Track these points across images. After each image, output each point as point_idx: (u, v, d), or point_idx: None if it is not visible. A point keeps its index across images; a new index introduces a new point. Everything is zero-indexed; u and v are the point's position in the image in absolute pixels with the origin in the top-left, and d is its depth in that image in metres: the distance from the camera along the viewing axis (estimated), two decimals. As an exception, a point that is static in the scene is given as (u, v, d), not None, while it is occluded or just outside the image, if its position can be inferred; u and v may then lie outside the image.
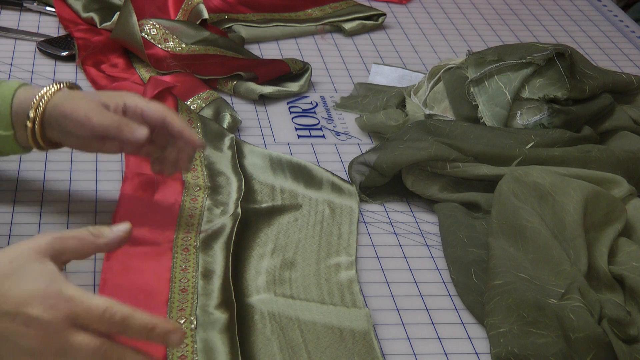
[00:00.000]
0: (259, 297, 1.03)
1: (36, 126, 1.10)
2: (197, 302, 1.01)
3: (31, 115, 1.10)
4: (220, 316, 0.99)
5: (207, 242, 1.10)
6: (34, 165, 1.25)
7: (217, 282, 1.04)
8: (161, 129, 1.11)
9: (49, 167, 1.25)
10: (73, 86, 1.13)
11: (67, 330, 0.83)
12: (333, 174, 1.25)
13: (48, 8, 1.69)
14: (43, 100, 1.10)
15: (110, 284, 1.03)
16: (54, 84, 1.11)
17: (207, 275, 1.05)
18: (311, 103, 1.47)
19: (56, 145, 1.14)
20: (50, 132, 1.11)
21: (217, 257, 1.07)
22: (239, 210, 1.14)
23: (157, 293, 1.03)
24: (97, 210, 1.18)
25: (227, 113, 1.36)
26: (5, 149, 1.14)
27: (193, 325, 0.98)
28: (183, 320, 0.99)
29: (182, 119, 1.12)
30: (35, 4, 1.70)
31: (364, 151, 1.28)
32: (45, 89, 1.10)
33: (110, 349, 0.84)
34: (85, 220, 1.16)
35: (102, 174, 1.24)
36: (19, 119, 1.11)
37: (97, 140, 1.10)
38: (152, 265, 1.06)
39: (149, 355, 0.86)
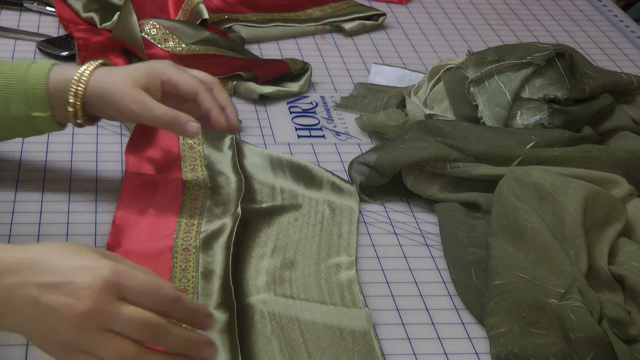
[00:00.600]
0: (259, 297, 1.03)
1: (77, 109, 1.11)
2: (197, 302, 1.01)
3: (71, 100, 1.11)
4: (220, 316, 0.99)
5: (207, 242, 1.10)
6: (33, 170, 1.26)
7: (217, 282, 1.04)
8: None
9: (49, 167, 1.25)
10: (105, 63, 1.14)
11: (117, 301, 0.81)
12: (333, 174, 1.25)
13: (48, 8, 1.69)
14: (80, 84, 1.11)
15: None
16: (88, 64, 1.12)
17: (207, 275, 1.05)
18: (311, 103, 1.47)
19: (96, 119, 1.16)
20: (91, 110, 1.13)
21: (217, 257, 1.07)
22: (239, 210, 1.14)
23: None
24: (97, 210, 1.18)
25: (227, 113, 1.36)
26: (43, 128, 1.15)
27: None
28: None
29: (214, 98, 1.11)
30: (35, 4, 1.69)
31: (364, 151, 1.28)
32: (80, 70, 1.11)
33: (162, 323, 0.82)
34: (86, 219, 1.16)
35: (102, 174, 1.24)
36: (57, 100, 1.12)
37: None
38: (152, 265, 1.06)
39: (199, 336, 0.84)
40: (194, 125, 1.10)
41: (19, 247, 0.83)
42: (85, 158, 1.26)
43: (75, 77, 1.11)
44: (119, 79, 1.11)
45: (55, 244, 0.84)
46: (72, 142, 1.31)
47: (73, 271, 0.81)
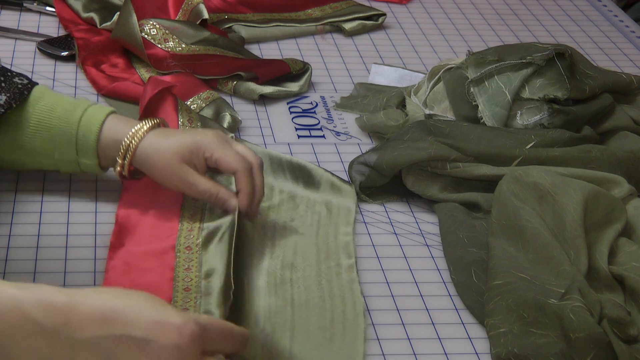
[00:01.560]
0: (260, 299, 1.03)
1: (124, 171, 1.14)
2: (200, 302, 1.01)
3: (119, 160, 1.13)
4: (221, 315, 0.99)
5: (209, 241, 1.10)
6: (33, 170, 1.26)
7: (218, 281, 1.04)
8: None
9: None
10: (160, 123, 1.15)
11: (204, 358, 0.77)
12: (333, 174, 1.25)
13: (48, 8, 1.69)
14: (131, 146, 1.12)
15: (113, 284, 1.03)
16: (141, 126, 1.13)
17: (210, 274, 1.05)
18: (311, 103, 1.47)
19: (141, 174, 1.17)
20: (137, 168, 1.14)
21: (219, 256, 1.07)
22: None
23: (160, 292, 1.02)
24: (97, 210, 1.18)
25: (227, 113, 1.36)
26: (86, 170, 1.17)
27: None
28: None
29: (250, 183, 1.12)
30: (35, 4, 1.69)
31: (364, 151, 1.28)
32: (133, 130, 1.12)
33: None
34: (86, 219, 1.16)
35: (102, 174, 1.24)
36: (105, 153, 1.14)
37: None
38: (155, 264, 1.06)
39: None
40: (234, 202, 1.11)
41: (82, 295, 0.78)
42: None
43: (128, 137, 1.12)
44: (167, 154, 1.12)
45: (123, 292, 0.79)
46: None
47: (157, 328, 0.76)
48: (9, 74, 1.17)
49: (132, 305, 0.77)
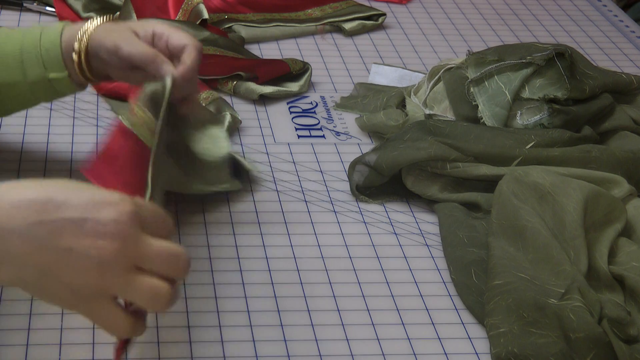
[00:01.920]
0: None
1: (82, 58, 1.12)
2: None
3: (76, 47, 1.12)
4: None
5: None
6: (33, 169, 1.26)
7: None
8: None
9: (49, 163, 1.25)
10: (113, 19, 1.15)
11: (143, 235, 0.75)
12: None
13: (48, 8, 1.69)
14: (86, 33, 1.12)
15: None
16: (95, 18, 1.13)
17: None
18: (311, 103, 1.47)
19: (106, 77, 1.15)
20: (95, 63, 1.13)
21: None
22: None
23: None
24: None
25: (227, 113, 1.36)
26: (62, 90, 1.16)
27: None
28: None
29: (196, 60, 1.10)
30: (35, 4, 1.70)
31: (364, 151, 1.28)
32: (87, 24, 1.13)
33: (188, 257, 0.77)
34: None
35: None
36: (70, 58, 1.13)
37: (128, 70, 1.11)
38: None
39: None
40: (170, 67, 1.08)
41: (5, 186, 0.76)
42: (85, 158, 1.26)
43: (82, 29, 1.12)
44: (116, 27, 1.12)
45: (51, 181, 0.77)
46: (72, 143, 1.31)
47: (93, 206, 0.74)
48: None
49: (63, 190, 0.75)
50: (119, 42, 1.10)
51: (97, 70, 1.14)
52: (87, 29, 1.12)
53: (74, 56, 1.12)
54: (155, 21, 1.15)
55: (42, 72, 1.14)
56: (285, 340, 1.00)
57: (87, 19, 1.59)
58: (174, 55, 1.11)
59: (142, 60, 1.09)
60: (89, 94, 1.44)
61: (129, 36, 1.11)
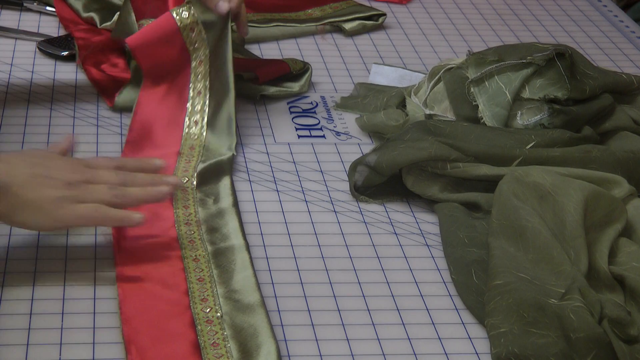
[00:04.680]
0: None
1: None
2: (217, 290, 1.03)
3: None
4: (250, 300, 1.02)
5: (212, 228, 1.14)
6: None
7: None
8: None
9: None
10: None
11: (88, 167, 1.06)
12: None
13: (48, 8, 1.69)
14: None
15: (127, 284, 1.04)
16: None
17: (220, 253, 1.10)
18: (311, 103, 1.47)
19: None
20: None
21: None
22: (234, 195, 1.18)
23: (174, 284, 1.04)
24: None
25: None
26: None
27: (219, 314, 1.00)
28: (208, 310, 1.01)
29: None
30: (35, 3, 1.70)
31: (364, 151, 1.28)
32: None
33: (125, 174, 1.07)
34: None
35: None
36: None
37: None
38: (162, 254, 1.08)
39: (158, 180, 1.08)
40: (225, 4, 1.31)
41: None
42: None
43: None
44: None
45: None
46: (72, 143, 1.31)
47: (49, 155, 1.06)
48: None
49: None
50: None
51: None
52: None
53: None
54: None
55: None
56: (285, 340, 1.00)
57: (87, 19, 1.60)
58: None
59: None
60: (89, 94, 1.44)
61: None
